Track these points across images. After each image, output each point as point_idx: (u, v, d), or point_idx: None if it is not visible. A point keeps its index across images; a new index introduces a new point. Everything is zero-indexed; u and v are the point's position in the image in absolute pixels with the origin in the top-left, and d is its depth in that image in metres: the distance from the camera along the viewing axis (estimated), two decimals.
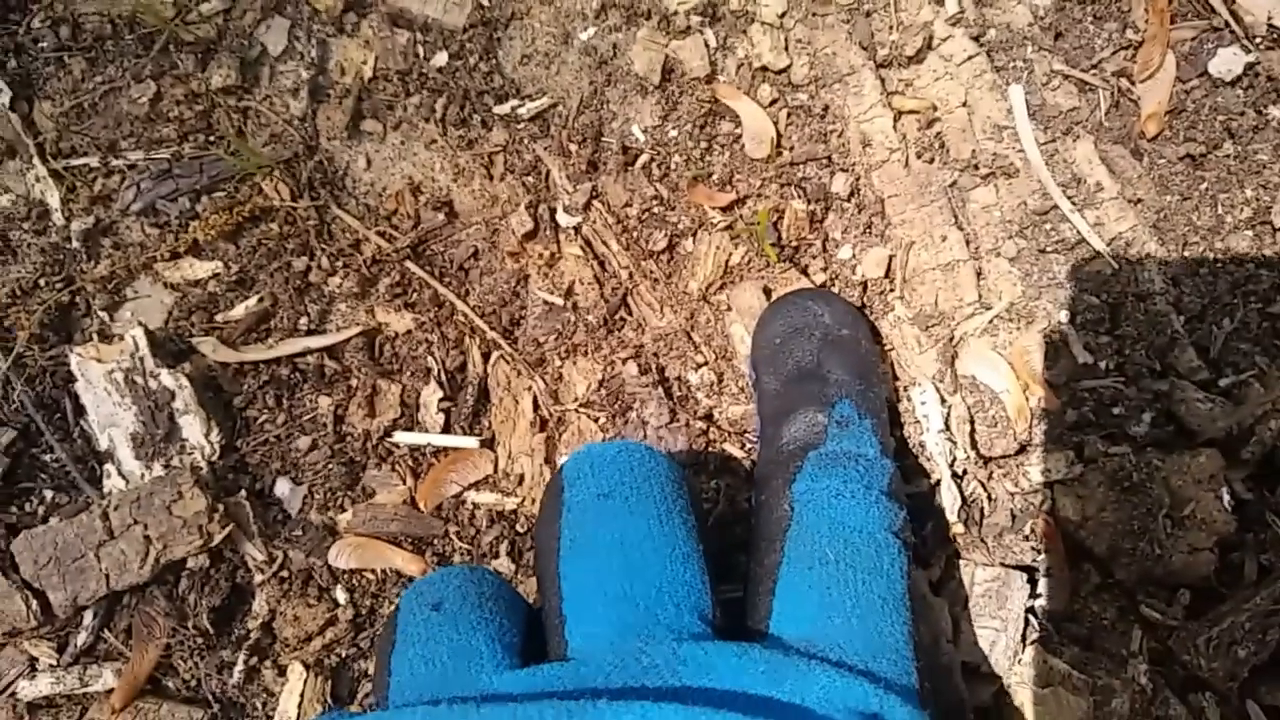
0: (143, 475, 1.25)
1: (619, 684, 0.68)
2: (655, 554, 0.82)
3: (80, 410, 1.29)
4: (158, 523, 1.20)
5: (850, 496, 0.92)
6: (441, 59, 1.41)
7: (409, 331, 1.34)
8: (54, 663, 1.20)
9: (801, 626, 0.82)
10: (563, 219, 1.35)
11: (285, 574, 1.24)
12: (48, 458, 1.28)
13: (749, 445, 1.29)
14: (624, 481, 0.87)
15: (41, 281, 1.35)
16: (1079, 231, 1.30)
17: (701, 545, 0.88)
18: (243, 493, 1.26)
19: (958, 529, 1.24)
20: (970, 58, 1.36)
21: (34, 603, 1.19)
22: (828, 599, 0.82)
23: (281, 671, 1.22)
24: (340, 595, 1.24)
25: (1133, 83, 1.37)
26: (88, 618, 1.21)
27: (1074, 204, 1.31)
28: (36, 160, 1.39)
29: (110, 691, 1.19)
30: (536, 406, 1.30)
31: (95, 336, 1.33)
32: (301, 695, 1.19)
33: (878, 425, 1.05)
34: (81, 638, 1.20)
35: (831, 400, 1.05)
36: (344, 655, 1.22)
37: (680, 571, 0.82)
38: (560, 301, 1.34)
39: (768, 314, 1.19)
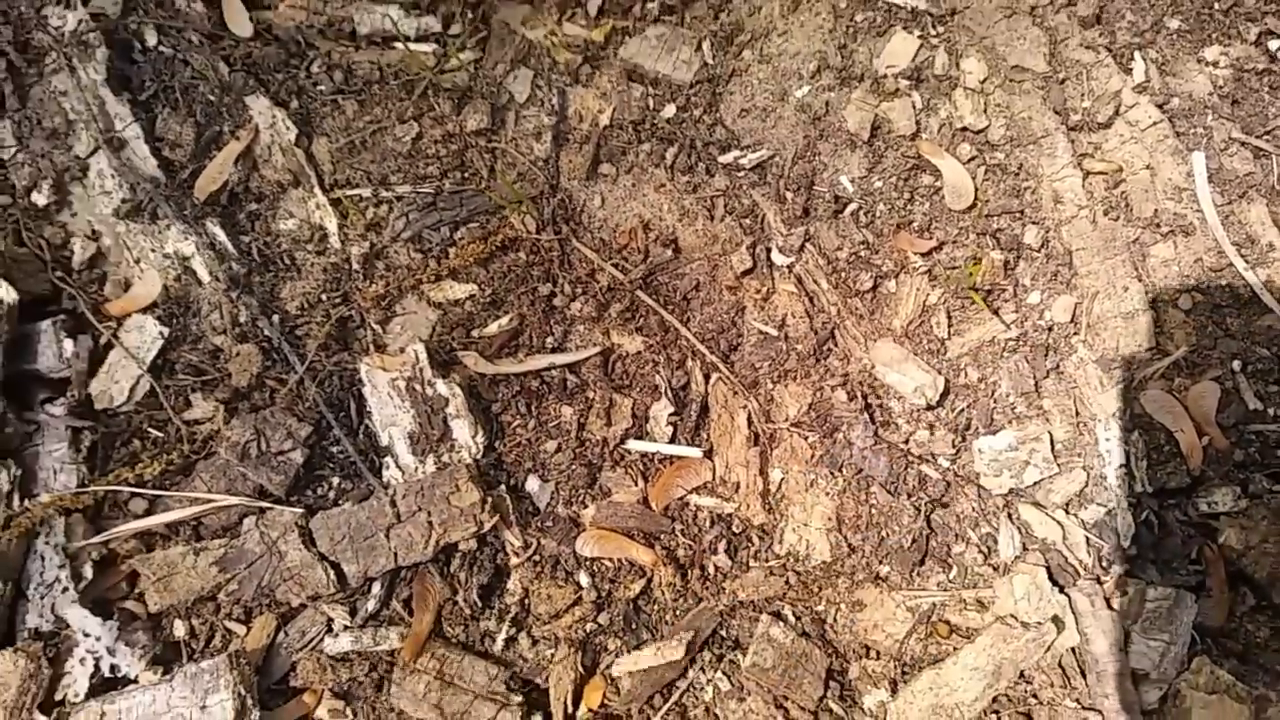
0: (416, 469, 1.47)
1: None
2: None
3: (363, 411, 1.50)
4: (439, 510, 1.41)
5: None
6: (670, 110, 1.59)
7: (639, 352, 1.53)
8: (347, 624, 1.42)
9: None
10: (778, 258, 1.53)
11: (538, 558, 1.45)
12: (335, 449, 1.50)
13: (940, 466, 1.46)
14: None
15: (323, 297, 1.57)
16: (1252, 288, 1.44)
17: None
18: (502, 487, 1.47)
19: (1131, 551, 1.39)
20: (1155, 124, 1.50)
21: (331, 573, 1.42)
22: None
23: (534, 642, 1.43)
24: (584, 579, 1.44)
25: None
26: (375, 588, 1.43)
27: (1247, 262, 1.45)
28: (317, 189, 1.61)
29: (394, 651, 1.41)
30: (751, 423, 1.49)
31: (371, 347, 1.54)
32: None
33: None
34: (370, 604, 1.42)
35: None
36: (588, 630, 1.42)
37: None
38: (774, 332, 1.52)
39: None
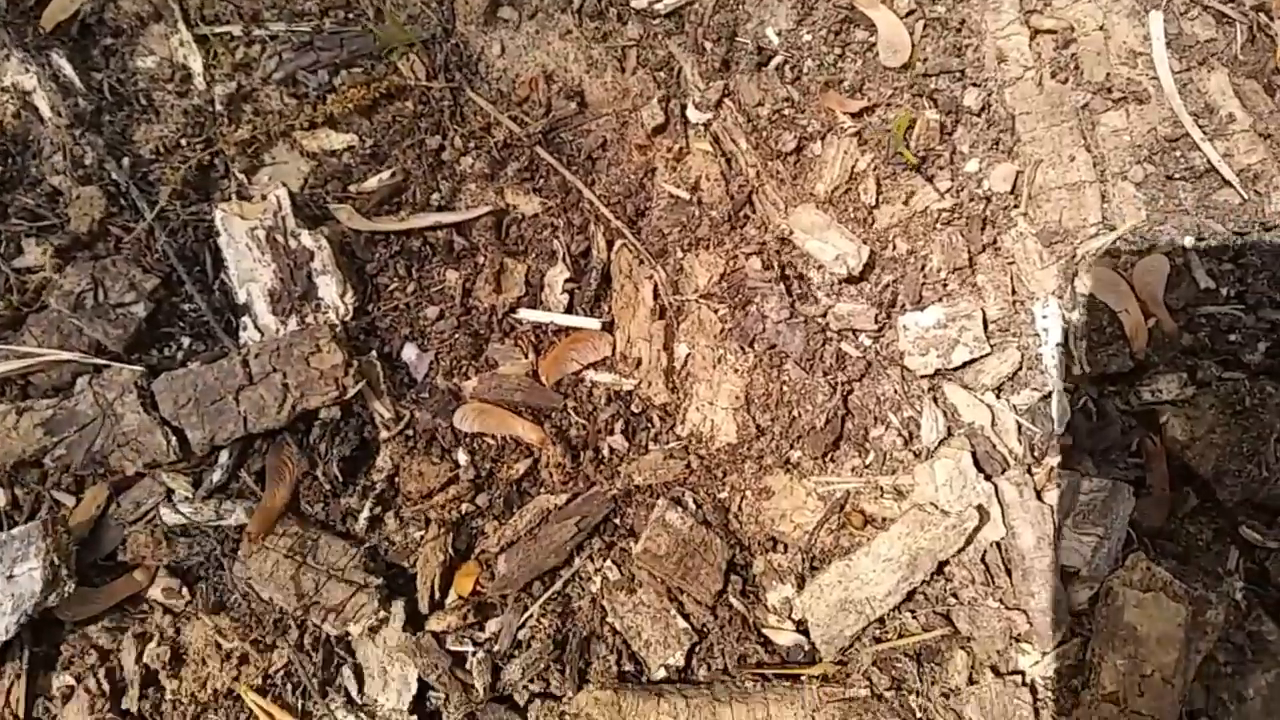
0: (277, 330, 1.30)
1: None
2: None
3: (220, 264, 1.33)
4: (296, 372, 1.25)
5: None
6: None
7: (536, 215, 1.38)
8: (189, 495, 1.26)
9: None
10: (693, 115, 1.37)
11: (410, 433, 1.29)
12: (187, 306, 1.33)
13: (861, 344, 1.32)
14: None
15: (183, 141, 1.39)
16: (1209, 160, 1.31)
17: None
18: (373, 353, 1.31)
19: (1066, 440, 1.26)
20: None
21: (173, 439, 1.25)
22: None
23: (403, 523, 1.27)
24: (462, 456, 1.28)
25: (1271, 18, 1.37)
26: (223, 457, 1.27)
27: (1205, 133, 1.32)
28: (181, 25, 1.43)
29: (241, 527, 1.25)
30: (657, 295, 1.34)
31: (234, 197, 1.37)
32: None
33: None
34: (216, 475, 1.26)
35: None
36: (463, 512, 1.27)
37: None
38: (686, 195, 1.36)
39: None
